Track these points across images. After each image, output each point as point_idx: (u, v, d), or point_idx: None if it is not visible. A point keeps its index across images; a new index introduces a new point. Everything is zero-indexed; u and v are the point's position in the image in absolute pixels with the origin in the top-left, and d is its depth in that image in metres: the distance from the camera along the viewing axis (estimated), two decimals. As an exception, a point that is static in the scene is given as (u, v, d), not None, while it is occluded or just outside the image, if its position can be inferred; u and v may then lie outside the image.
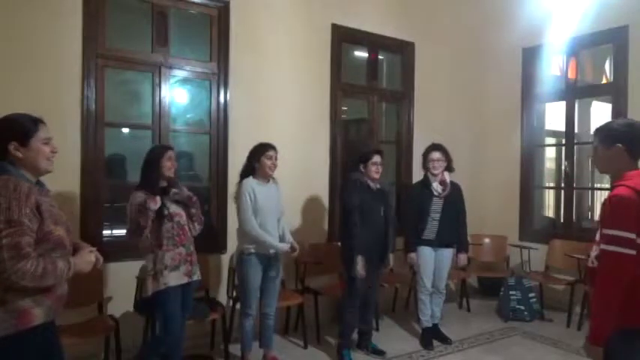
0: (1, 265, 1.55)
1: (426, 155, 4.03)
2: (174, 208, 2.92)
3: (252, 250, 3.27)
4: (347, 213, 3.59)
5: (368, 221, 3.57)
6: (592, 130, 2.08)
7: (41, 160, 1.74)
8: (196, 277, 3.03)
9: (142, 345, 3.31)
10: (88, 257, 1.83)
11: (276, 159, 3.33)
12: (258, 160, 3.30)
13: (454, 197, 4.00)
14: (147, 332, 3.41)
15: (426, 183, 4.00)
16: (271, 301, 3.43)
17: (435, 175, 3.96)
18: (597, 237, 1.93)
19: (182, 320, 2.98)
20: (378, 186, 3.70)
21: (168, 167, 2.90)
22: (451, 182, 4.01)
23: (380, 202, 3.67)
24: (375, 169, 3.64)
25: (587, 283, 4.30)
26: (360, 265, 3.47)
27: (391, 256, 3.84)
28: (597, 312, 1.81)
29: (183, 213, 2.96)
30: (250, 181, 3.30)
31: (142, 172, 2.92)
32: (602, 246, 1.81)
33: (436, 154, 3.96)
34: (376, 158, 3.65)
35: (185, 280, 2.92)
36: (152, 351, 2.98)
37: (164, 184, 2.91)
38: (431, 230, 3.94)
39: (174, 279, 2.86)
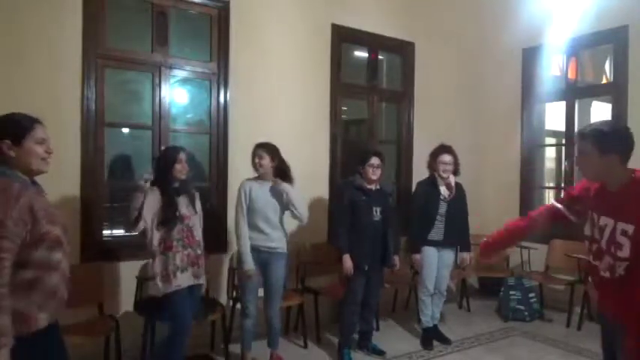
0: None
1: (435, 156, 3.97)
2: (184, 211, 2.98)
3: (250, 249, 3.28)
4: (336, 214, 3.63)
5: (361, 223, 3.56)
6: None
7: (34, 161, 1.72)
8: (202, 280, 3.09)
9: (152, 350, 3.28)
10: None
11: (261, 158, 3.29)
12: (252, 161, 3.35)
13: (459, 199, 3.99)
14: (147, 333, 3.40)
15: (433, 183, 3.98)
16: (271, 301, 3.40)
17: (443, 179, 3.94)
18: (624, 254, 1.79)
19: (189, 321, 3.00)
20: (377, 187, 3.68)
21: (179, 170, 2.97)
22: (456, 183, 3.99)
23: (376, 203, 3.63)
24: (372, 171, 3.61)
25: (589, 288, 4.30)
26: (347, 264, 3.52)
27: (396, 257, 3.78)
28: None
29: (192, 216, 3.03)
30: (248, 182, 3.34)
31: (155, 172, 2.97)
32: None
33: (448, 157, 3.91)
34: (373, 160, 3.62)
35: (193, 281, 2.99)
36: (165, 354, 2.94)
37: (176, 185, 2.99)
38: (437, 231, 3.93)
39: (185, 280, 2.92)
